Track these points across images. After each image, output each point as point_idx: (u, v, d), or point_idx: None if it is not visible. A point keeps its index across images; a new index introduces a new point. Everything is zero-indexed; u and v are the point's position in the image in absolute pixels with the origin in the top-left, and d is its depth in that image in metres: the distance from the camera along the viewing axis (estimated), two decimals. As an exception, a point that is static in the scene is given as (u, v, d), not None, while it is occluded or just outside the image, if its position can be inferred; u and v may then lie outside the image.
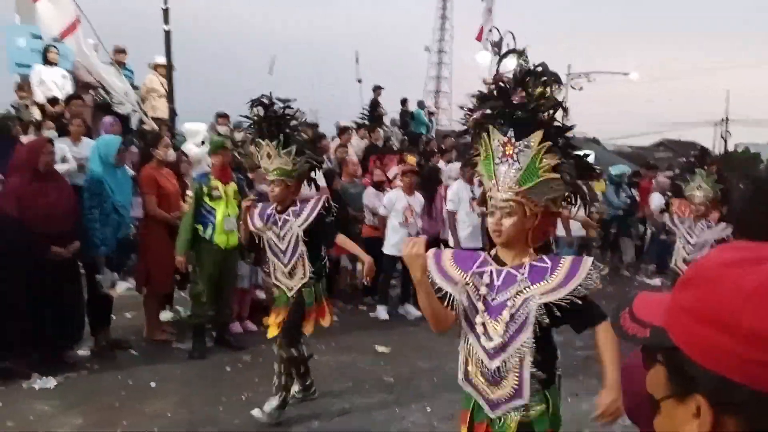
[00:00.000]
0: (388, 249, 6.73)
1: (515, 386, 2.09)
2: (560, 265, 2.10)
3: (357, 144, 10.19)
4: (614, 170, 10.72)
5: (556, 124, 2.11)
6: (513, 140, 2.04)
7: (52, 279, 4.55)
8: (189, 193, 5.47)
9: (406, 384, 4.93)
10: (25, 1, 8.52)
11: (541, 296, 2.06)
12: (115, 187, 4.94)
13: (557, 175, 2.05)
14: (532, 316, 2.06)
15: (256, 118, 3.97)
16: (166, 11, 8.39)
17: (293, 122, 4.02)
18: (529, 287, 2.07)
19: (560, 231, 7.96)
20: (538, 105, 2.07)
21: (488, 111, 2.11)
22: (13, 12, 10.09)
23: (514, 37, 16.44)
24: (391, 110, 14.85)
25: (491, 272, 2.15)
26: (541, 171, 2.03)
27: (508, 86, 2.09)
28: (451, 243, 6.86)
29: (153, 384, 4.66)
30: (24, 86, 8.51)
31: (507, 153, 2.05)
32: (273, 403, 4.09)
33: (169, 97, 8.53)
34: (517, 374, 2.09)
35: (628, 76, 24.56)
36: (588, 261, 2.10)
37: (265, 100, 3.97)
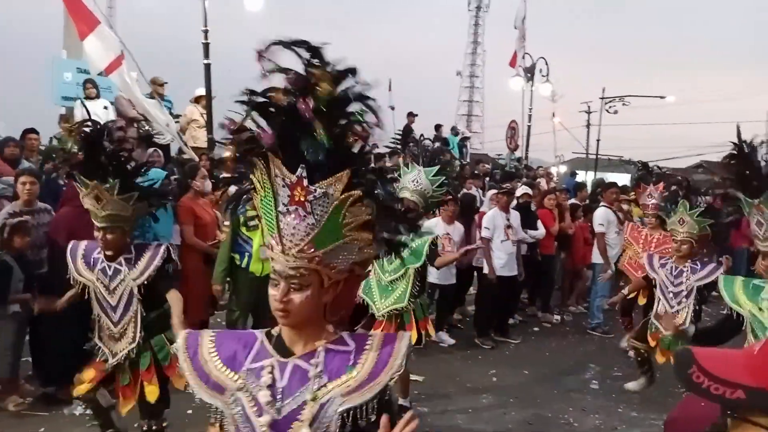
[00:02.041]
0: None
1: None
2: (367, 346, 1.51)
3: (390, 171, 10.27)
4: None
5: (367, 158, 1.54)
6: (305, 182, 1.41)
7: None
8: (225, 222, 5.59)
9: (440, 414, 4.89)
10: (73, 37, 8.90)
11: (344, 399, 1.45)
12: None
13: (368, 235, 1.49)
14: (334, 429, 1.45)
15: (72, 151, 3.32)
16: (206, 45, 8.68)
17: (131, 162, 3.32)
18: (325, 386, 1.47)
19: (596, 258, 7.82)
20: (342, 129, 1.44)
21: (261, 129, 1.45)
22: (60, 47, 10.54)
23: (546, 63, 16.52)
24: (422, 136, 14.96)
25: (272, 368, 1.51)
26: (345, 229, 1.45)
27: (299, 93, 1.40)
28: (485, 271, 6.82)
29: (190, 411, 4.71)
30: (68, 118, 8.85)
31: (297, 199, 1.41)
32: None
33: (209, 127, 8.75)
34: None
35: (665, 99, 24.19)
36: (405, 340, 1.53)
37: (91, 131, 3.23)
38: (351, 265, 1.49)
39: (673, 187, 5.04)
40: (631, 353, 5.66)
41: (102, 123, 3.39)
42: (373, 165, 1.57)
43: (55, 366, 4.64)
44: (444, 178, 4.55)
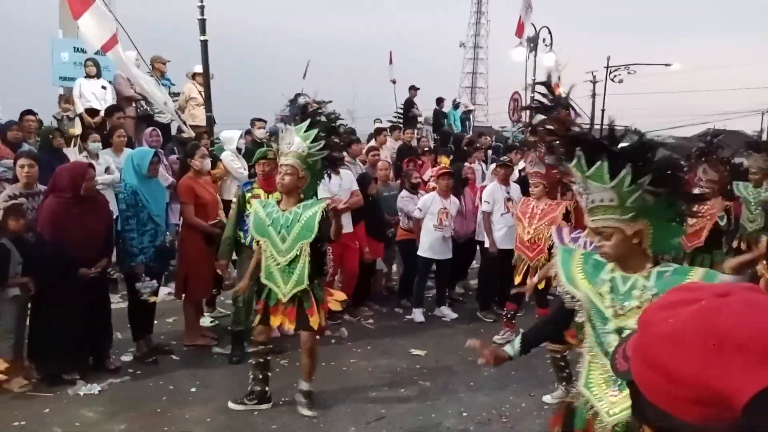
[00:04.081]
0: (422, 251, 6.72)
1: None
2: None
3: (391, 145, 10.19)
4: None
5: None
6: None
7: (82, 294, 4.69)
8: (233, 200, 5.55)
9: (442, 387, 4.92)
10: (68, 16, 8.79)
11: None
12: (149, 197, 5.04)
13: None
14: None
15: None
16: (203, 22, 8.54)
17: None
18: None
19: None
20: None
21: None
22: (56, 27, 10.42)
23: (550, 32, 16.26)
24: (425, 109, 14.84)
25: None
26: None
27: None
28: (486, 244, 6.81)
29: (193, 389, 4.77)
30: (68, 99, 8.80)
31: None
32: None
33: (207, 105, 8.68)
34: None
35: (670, 66, 23.87)
36: None
37: None
38: None
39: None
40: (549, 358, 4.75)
41: None
42: None
43: (54, 349, 4.65)
44: (317, 130, 4.08)
